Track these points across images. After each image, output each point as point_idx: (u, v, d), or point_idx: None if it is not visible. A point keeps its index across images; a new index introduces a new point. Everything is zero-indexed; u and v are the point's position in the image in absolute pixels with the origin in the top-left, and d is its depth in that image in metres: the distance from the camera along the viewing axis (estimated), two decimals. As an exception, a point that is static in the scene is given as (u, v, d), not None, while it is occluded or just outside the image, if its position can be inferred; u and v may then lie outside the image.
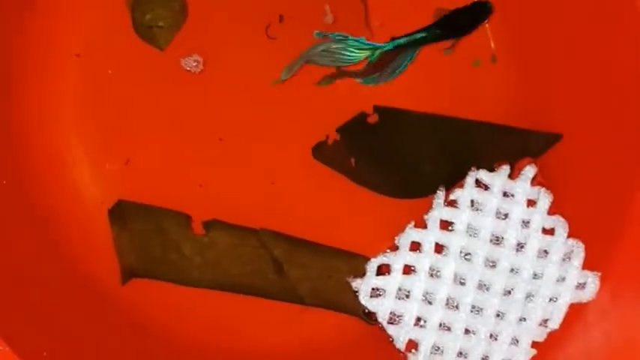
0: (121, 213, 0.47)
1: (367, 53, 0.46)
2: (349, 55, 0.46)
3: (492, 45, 0.48)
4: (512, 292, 0.44)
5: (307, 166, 0.48)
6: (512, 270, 0.44)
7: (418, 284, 0.44)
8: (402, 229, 0.45)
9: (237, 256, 0.47)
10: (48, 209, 0.48)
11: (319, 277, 0.47)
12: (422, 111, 0.48)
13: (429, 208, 0.45)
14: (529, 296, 0.44)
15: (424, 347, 0.44)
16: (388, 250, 0.45)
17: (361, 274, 0.45)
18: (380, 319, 0.44)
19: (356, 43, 0.46)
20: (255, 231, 0.47)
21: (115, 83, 0.48)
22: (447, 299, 0.44)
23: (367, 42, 0.46)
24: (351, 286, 0.45)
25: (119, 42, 0.48)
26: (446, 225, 0.45)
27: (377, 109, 0.48)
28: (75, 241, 0.48)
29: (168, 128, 0.48)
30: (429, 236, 0.44)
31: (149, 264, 0.47)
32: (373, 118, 0.48)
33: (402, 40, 0.46)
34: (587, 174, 0.45)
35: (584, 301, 0.44)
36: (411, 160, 0.48)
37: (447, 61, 0.48)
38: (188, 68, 0.47)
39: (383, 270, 0.45)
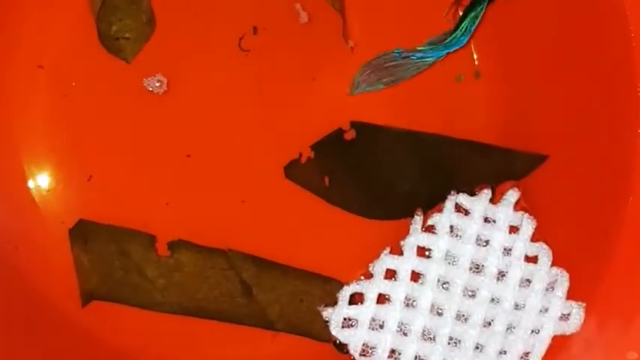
0: (82, 233, 0.46)
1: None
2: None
3: (476, 61, 0.47)
4: (492, 324, 0.43)
5: (279, 186, 0.46)
6: (492, 300, 0.43)
7: (393, 314, 0.42)
8: (377, 253, 0.44)
9: (204, 279, 0.46)
10: (5, 227, 0.46)
11: (290, 301, 0.46)
12: (401, 127, 0.46)
13: (405, 232, 0.44)
14: (510, 328, 0.43)
15: (398, 380, 0.42)
16: (362, 278, 0.43)
17: (334, 299, 0.44)
18: (352, 351, 0.43)
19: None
20: (224, 252, 0.46)
21: (79, 96, 0.46)
22: (423, 330, 0.43)
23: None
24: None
25: (84, 54, 0.46)
26: (423, 251, 0.43)
27: (354, 125, 0.46)
28: (33, 260, 0.46)
29: (134, 143, 0.46)
30: (405, 264, 0.43)
31: (110, 286, 0.46)
32: (350, 135, 0.46)
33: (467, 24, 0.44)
34: (573, 199, 0.44)
35: (568, 333, 0.43)
36: (389, 179, 0.46)
37: (429, 75, 0.47)
38: (150, 89, 0.45)
39: (356, 299, 0.43)
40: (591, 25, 0.43)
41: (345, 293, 0.43)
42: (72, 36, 0.46)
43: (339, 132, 0.46)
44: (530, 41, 0.46)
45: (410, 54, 0.44)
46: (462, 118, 0.47)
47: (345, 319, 0.43)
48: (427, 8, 0.47)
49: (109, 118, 0.46)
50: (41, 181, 0.46)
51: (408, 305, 0.43)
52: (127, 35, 0.46)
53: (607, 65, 0.43)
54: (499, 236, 0.43)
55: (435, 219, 0.43)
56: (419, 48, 0.44)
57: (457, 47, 0.44)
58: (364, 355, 0.43)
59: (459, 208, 0.43)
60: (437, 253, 0.43)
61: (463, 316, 0.43)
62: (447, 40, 0.44)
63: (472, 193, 0.44)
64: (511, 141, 0.46)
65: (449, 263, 0.43)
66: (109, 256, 0.45)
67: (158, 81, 0.45)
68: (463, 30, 0.44)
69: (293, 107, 0.47)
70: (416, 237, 0.43)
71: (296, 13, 0.46)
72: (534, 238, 0.43)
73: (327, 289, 0.45)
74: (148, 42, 0.46)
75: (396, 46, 0.46)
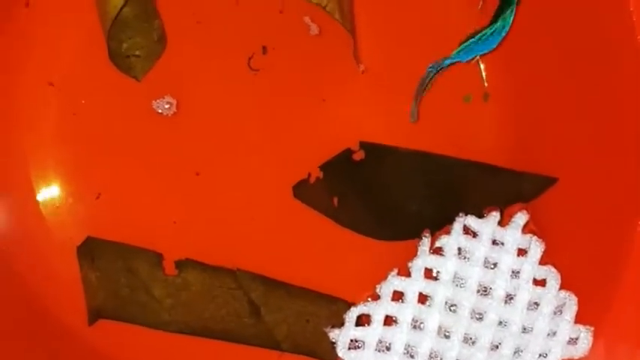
0: (89, 250, 0.46)
1: None
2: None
3: (485, 82, 0.47)
4: (499, 347, 0.42)
5: (287, 205, 0.46)
6: (500, 323, 0.43)
7: (400, 336, 0.42)
8: (384, 274, 0.43)
9: (212, 298, 0.46)
10: (14, 243, 0.46)
11: (297, 321, 0.46)
12: (410, 148, 0.46)
13: (413, 254, 0.43)
14: (517, 351, 0.42)
15: (405, 403, 0.42)
16: (369, 299, 0.43)
17: (340, 319, 0.44)
18: (358, 373, 0.42)
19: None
20: (232, 271, 0.46)
21: (89, 114, 0.46)
22: (431, 353, 0.42)
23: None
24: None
25: (94, 71, 0.46)
26: (431, 273, 0.43)
27: (363, 145, 0.46)
28: (41, 277, 0.46)
29: (142, 161, 0.46)
30: (413, 285, 0.42)
31: (117, 305, 0.46)
32: (359, 155, 0.46)
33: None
34: (582, 222, 0.44)
35: (576, 357, 0.42)
36: (397, 199, 0.46)
37: (438, 96, 0.47)
38: (160, 111, 0.45)
39: (363, 320, 0.43)
40: (601, 48, 0.43)
41: (352, 314, 0.43)
42: (82, 54, 0.47)
43: (348, 152, 0.46)
44: (540, 64, 0.45)
45: (442, 64, 0.44)
46: (470, 140, 0.47)
47: (351, 340, 0.43)
48: (438, 28, 0.47)
49: (118, 137, 0.46)
50: (50, 197, 0.47)
51: (415, 327, 0.43)
52: (137, 53, 0.46)
53: (617, 89, 0.42)
54: (507, 259, 0.43)
55: (443, 241, 0.43)
56: (451, 56, 0.44)
57: (489, 48, 0.44)
58: (371, 377, 0.43)
59: (467, 230, 0.43)
60: (445, 275, 0.43)
61: (471, 338, 0.43)
62: (478, 37, 0.44)
63: (480, 215, 0.44)
64: (520, 163, 0.46)
65: (456, 285, 0.43)
66: (115, 274, 0.46)
67: (167, 103, 0.45)
68: (494, 29, 0.43)
69: (302, 127, 0.47)
70: (424, 259, 0.43)
71: (306, 26, 0.46)
72: (542, 261, 0.43)
73: (334, 310, 0.45)
74: (158, 60, 0.46)
75: (407, 66, 0.46)
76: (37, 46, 0.46)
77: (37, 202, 0.46)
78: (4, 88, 0.46)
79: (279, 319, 0.46)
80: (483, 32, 0.44)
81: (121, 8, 0.43)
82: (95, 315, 0.46)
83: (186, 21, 0.46)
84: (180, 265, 0.46)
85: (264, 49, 0.47)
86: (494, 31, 0.43)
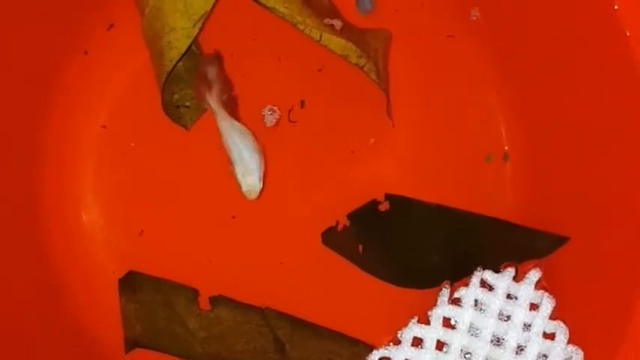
0: (130, 283, 0.48)
1: None
2: None
3: (505, 145, 0.49)
4: (509, 394, 0.45)
5: (316, 250, 0.49)
6: (510, 372, 0.45)
7: (417, 380, 0.44)
8: (404, 320, 0.46)
9: (241, 334, 0.48)
10: (62, 275, 0.49)
11: (319, 359, 0.48)
12: (432, 201, 0.49)
13: (433, 302, 0.46)
14: (526, 399, 0.44)
15: None
16: (391, 344, 0.45)
17: (361, 360, 0.45)
18: (377, 413, 0.45)
19: None
20: (260, 309, 0.48)
21: (137, 157, 0.49)
22: (446, 397, 0.44)
23: None
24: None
25: (145, 118, 0.49)
26: (448, 322, 0.45)
27: (388, 197, 0.49)
28: (84, 306, 0.49)
29: (183, 203, 0.49)
30: (432, 333, 0.45)
31: (153, 335, 0.48)
32: (384, 206, 0.49)
33: None
34: (591, 281, 0.46)
35: (579, 407, 0.44)
36: (418, 249, 0.49)
37: (461, 154, 0.50)
38: (267, 121, 0.48)
39: (383, 363, 0.45)
40: (616, 116, 0.45)
41: (375, 357, 0.45)
42: (133, 101, 0.49)
43: (375, 203, 0.49)
44: (556, 129, 0.48)
45: None
46: (489, 197, 0.49)
47: (372, 382, 0.45)
48: (462, 88, 0.50)
49: (163, 179, 0.49)
50: (97, 232, 0.49)
51: (432, 372, 0.45)
52: (187, 104, 0.48)
53: (628, 154, 0.44)
54: (520, 312, 0.45)
55: (461, 292, 0.45)
56: None
57: None
58: (389, 417, 0.45)
59: (484, 283, 0.46)
60: (461, 325, 0.45)
61: (483, 385, 0.45)
62: None
63: (497, 270, 0.46)
64: (535, 221, 0.48)
65: (472, 335, 0.45)
66: (154, 307, 0.48)
67: (270, 110, 0.47)
68: None
69: (332, 177, 0.50)
70: (443, 308, 0.45)
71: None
72: (553, 316, 0.45)
73: (355, 351, 0.47)
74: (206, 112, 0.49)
75: (432, 124, 0.49)
76: (93, 92, 0.49)
77: (85, 237, 0.49)
78: (61, 130, 0.49)
79: (303, 356, 0.48)
80: None
81: (176, 62, 0.45)
82: (132, 344, 0.48)
83: (232, 74, 0.49)
84: (214, 301, 0.48)
85: (303, 103, 0.49)
86: None
